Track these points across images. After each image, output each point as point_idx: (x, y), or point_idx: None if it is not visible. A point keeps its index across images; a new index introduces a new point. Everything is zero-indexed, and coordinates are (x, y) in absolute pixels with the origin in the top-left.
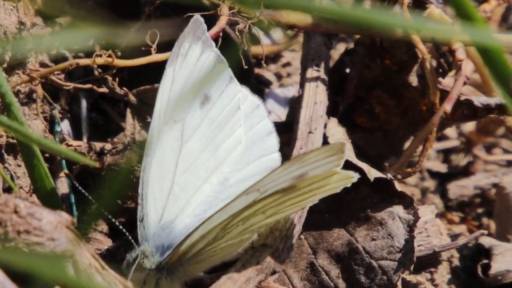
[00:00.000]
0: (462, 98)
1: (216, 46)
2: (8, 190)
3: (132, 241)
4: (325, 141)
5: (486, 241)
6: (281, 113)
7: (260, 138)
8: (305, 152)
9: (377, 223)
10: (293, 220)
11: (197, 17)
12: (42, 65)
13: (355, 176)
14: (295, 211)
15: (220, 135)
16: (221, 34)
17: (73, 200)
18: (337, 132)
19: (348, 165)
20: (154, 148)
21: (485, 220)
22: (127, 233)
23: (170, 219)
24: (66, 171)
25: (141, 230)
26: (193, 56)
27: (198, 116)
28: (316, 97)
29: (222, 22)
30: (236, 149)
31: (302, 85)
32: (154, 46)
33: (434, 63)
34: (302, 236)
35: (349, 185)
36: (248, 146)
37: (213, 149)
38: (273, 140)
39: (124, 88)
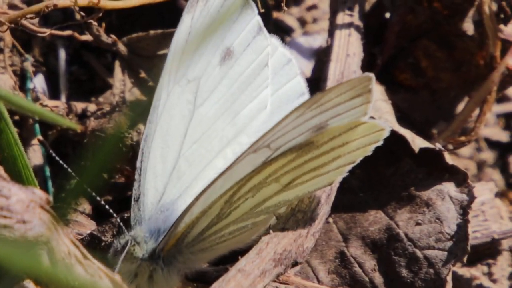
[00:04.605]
0: None
1: None
2: None
3: (121, 224)
4: None
5: None
6: (306, 67)
7: (289, 101)
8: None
9: (422, 204)
10: (320, 200)
11: None
12: (11, 6)
13: (386, 128)
14: (321, 187)
15: (242, 98)
16: None
17: (48, 173)
18: (375, 92)
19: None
20: (161, 113)
21: None
22: (115, 215)
23: (171, 200)
24: (40, 137)
25: (135, 212)
26: (216, 0)
27: (217, 75)
28: (348, 48)
29: None
30: (259, 115)
31: (331, 33)
32: None
33: (494, 6)
34: (331, 220)
35: (380, 143)
36: (274, 110)
37: (232, 115)
38: None
39: (112, 36)
